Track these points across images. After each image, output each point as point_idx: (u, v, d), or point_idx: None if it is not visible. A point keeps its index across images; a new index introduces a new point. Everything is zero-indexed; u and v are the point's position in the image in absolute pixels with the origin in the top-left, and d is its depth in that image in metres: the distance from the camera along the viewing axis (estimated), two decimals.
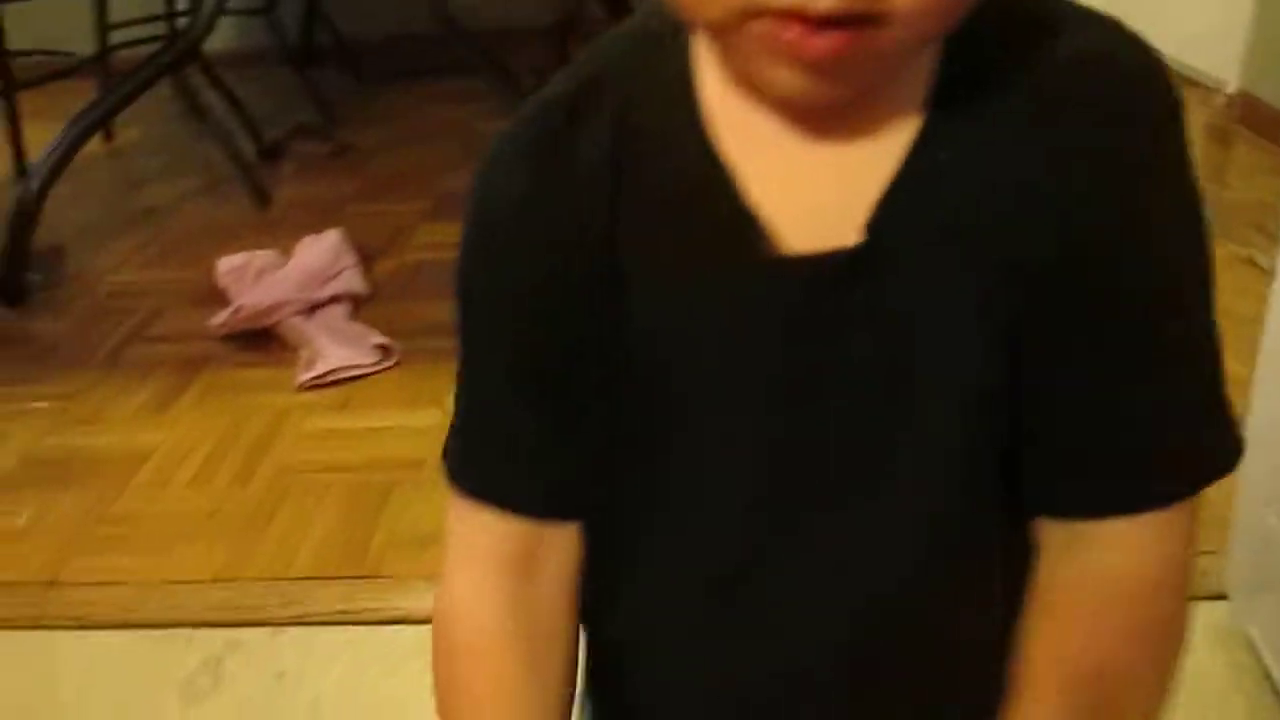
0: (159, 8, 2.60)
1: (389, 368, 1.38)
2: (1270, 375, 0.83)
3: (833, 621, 0.41)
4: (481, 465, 0.42)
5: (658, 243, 0.38)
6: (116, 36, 2.49)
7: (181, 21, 2.54)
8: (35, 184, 1.69)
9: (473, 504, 0.42)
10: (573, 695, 0.44)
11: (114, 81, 2.21)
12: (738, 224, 0.36)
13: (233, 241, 1.71)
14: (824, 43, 0.30)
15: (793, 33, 0.30)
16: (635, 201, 0.38)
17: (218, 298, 1.54)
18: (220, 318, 1.47)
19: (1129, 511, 0.38)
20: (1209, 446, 0.39)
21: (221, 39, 2.57)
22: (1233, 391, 0.40)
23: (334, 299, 1.50)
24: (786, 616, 0.42)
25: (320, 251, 1.57)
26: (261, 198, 1.98)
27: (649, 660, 0.45)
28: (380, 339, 1.40)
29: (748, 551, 0.41)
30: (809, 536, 0.40)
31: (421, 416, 1.26)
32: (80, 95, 2.34)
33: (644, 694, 0.46)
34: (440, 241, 1.79)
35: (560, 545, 0.43)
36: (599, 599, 0.44)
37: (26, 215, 1.67)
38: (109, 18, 2.45)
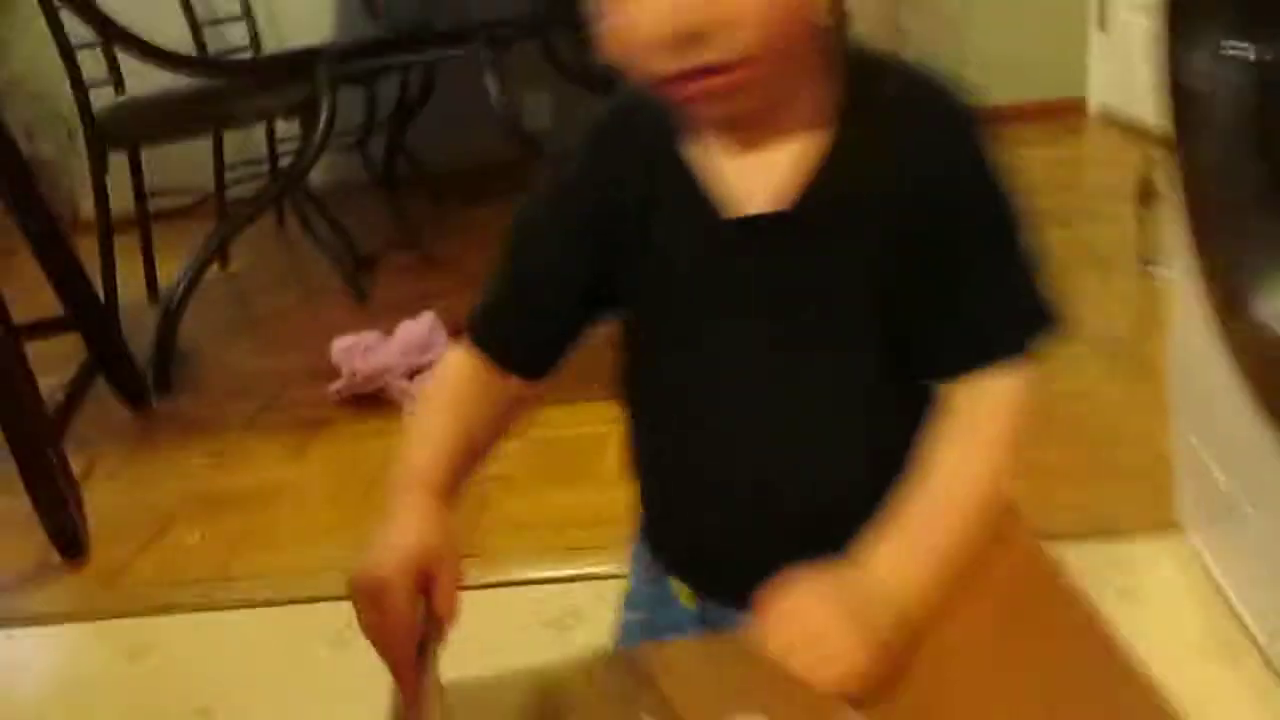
0: (263, 150, 3.00)
1: None
2: (1185, 319, 1.04)
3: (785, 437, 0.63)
4: (488, 327, 0.67)
5: (672, 202, 0.61)
6: (229, 177, 2.89)
7: (283, 162, 2.94)
8: (179, 291, 2.00)
9: (477, 349, 0.66)
10: (491, 441, 0.67)
11: (231, 211, 2.59)
12: (707, 200, 0.60)
13: (338, 332, 1.99)
14: (700, 86, 0.52)
15: (684, 88, 0.53)
16: (661, 173, 0.61)
17: (332, 373, 1.82)
18: (337, 384, 1.75)
19: (988, 363, 0.58)
20: (1035, 317, 0.60)
21: (322, 174, 2.96)
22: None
23: (432, 364, 1.77)
24: (748, 438, 0.63)
25: (418, 327, 1.85)
26: (360, 296, 2.29)
27: (662, 472, 0.69)
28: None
29: (725, 399, 0.63)
30: (754, 411, 0.63)
31: (507, 446, 1.51)
32: (196, 226, 2.73)
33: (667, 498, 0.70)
34: None
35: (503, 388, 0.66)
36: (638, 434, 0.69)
37: (171, 319, 1.98)
38: (226, 160, 2.84)
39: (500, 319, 0.67)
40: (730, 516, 0.64)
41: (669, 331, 0.65)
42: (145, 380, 1.89)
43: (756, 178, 0.58)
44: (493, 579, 1.19)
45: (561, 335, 0.66)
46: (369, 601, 0.56)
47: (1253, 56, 0.79)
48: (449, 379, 0.68)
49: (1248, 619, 0.97)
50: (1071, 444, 1.34)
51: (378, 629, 0.56)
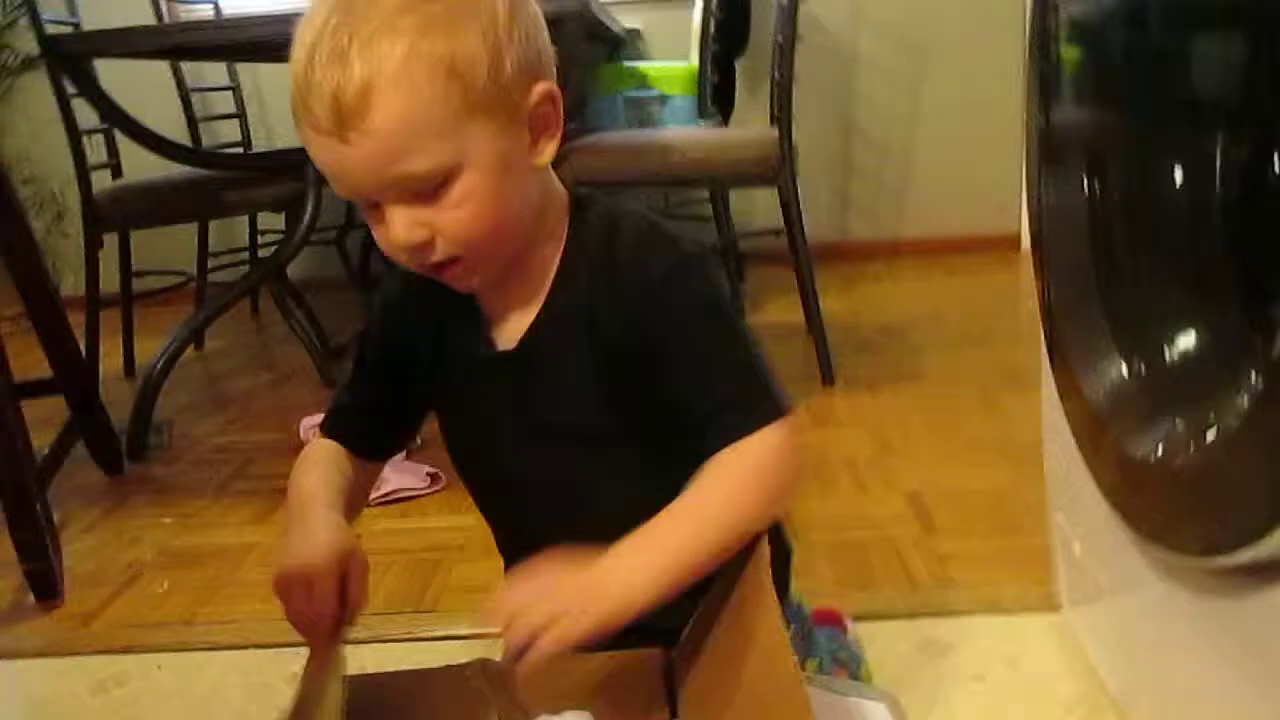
0: (246, 240, 3.15)
1: (437, 490, 1.76)
2: (1049, 403, 1.20)
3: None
4: (332, 422, 0.89)
5: (453, 335, 0.81)
6: (212, 263, 3.03)
7: (263, 252, 3.09)
8: (158, 366, 2.12)
9: (326, 437, 0.88)
10: (357, 504, 0.88)
11: (210, 296, 2.72)
12: (473, 338, 0.80)
13: (305, 413, 2.09)
14: (439, 273, 0.73)
15: (431, 272, 0.73)
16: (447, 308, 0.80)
17: (299, 448, 1.93)
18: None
19: (731, 439, 0.72)
20: (755, 406, 0.74)
21: (300, 268, 3.10)
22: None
23: None
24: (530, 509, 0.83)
25: None
26: (330, 382, 2.42)
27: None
28: (431, 469, 1.79)
29: (503, 489, 0.86)
30: (544, 500, 0.82)
31: (463, 519, 1.63)
32: (174, 307, 2.85)
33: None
34: None
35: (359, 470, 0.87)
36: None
37: (150, 392, 2.10)
38: (209, 248, 2.99)
39: (350, 417, 0.89)
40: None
41: (459, 438, 0.87)
42: (120, 447, 1.99)
43: (504, 322, 0.79)
44: (443, 633, 1.30)
45: (391, 425, 0.89)
46: (300, 590, 0.73)
47: (1085, 193, 0.97)
48: (318, 455, 0.88)
49: (1108, 683, 1.10)
50: (976, 534, 1.48)
51: (304, 614, 0.73)
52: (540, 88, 0.70)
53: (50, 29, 2.25)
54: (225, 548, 1.61)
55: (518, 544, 0.85)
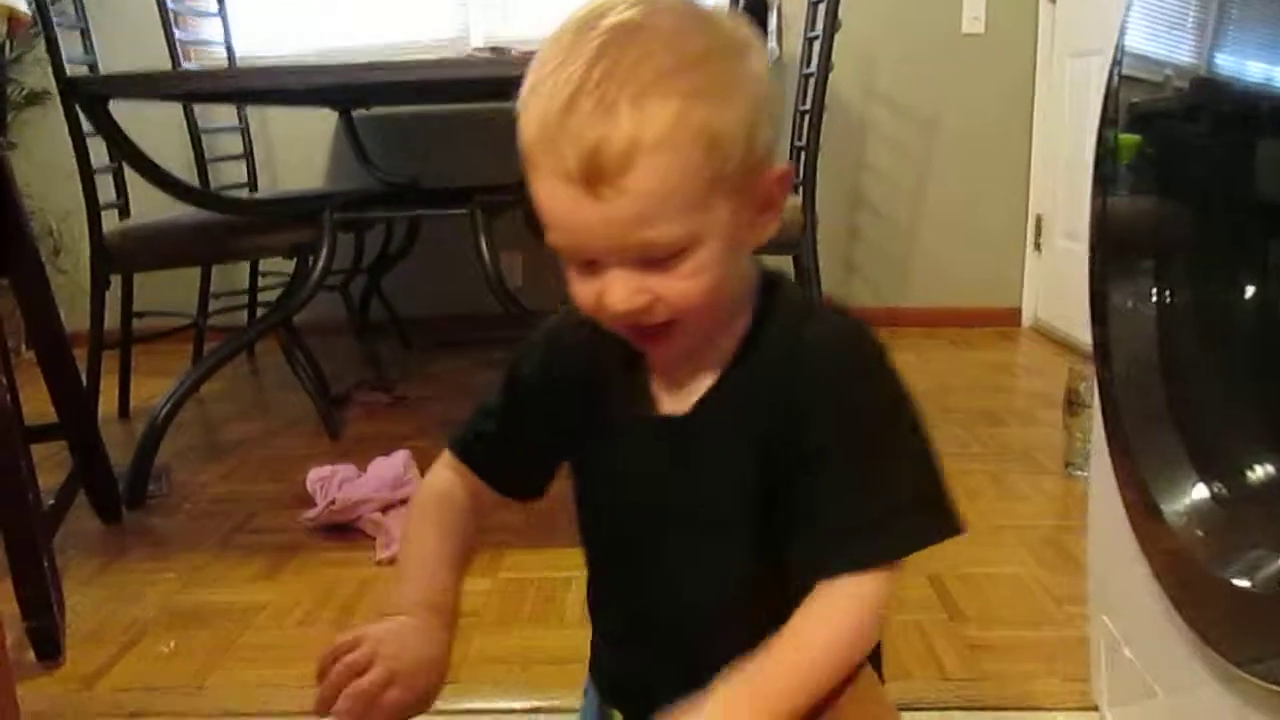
0: (244, 284, 3.12)
1: None
2: (1101, 515, 1.18)
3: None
4: (470, 444, 0.83)
5: (620, 391, 0.77)
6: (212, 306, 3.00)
7: (263, 295, 3.06)
8: (162, 413, 2.08)
9: (456, 457, 0.82)
10: (467, 551, 0.82)
11: (217, 338, 2.69)
12: (641, 399, 0.76)
13: (305, 463, 2.04)
14: (645, 337, 0.69)
15: (634, 336, 0.70)
16: (614, 363, 0.77)
17: (305, 501, 1.90)
18: (313, 512, 1.82)
19: (850, 570, 0.68)
20: (901, 530, 0.68)
21: (304, 311, 3.07)
22: None
23: (403, 501, 1.86)
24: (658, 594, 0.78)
25: (392, 464, 1.94)
26: (333, 432, 2.38)
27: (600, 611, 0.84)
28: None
29: (637, 558, 0.79)
30: (663, 566, 0.77)
31: (478, 583, 1.60)
32: (170, 349, 2.81)
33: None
34: None
35: (484, 493, 0.82)
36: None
37: (154, 437, 2.05)
38: (210, 290, 2.96)
39: (488, 443, 0.83)
40: (646, 657, 0.79)
41: (593, 497, 0.82)
42: (119, 495, 1.94)
43: (675, 389, 0.75)
44: (463, 706, 1.26)
45: (536, 470, 0.83)
46: (340, 648, 0.70)
47: (1154, 299, 0.96)
48: (433, 497, 0.83)
49: None
50: (1005, 624, 1.46)
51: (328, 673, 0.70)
52: (778, 168, 0.69)
53: (68, 68, 2.23)
54: (231, 606, 1.56)
55: (618, 610, 0.83)
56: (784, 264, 2.25)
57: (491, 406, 0.83)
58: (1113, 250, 1.07)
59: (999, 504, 1.93)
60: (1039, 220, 3.39)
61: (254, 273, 3.12)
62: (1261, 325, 0.90)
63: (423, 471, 1.97)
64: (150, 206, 2.54)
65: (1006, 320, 3.48)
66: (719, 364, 0.73)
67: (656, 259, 0.64)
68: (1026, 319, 3.48)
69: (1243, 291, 0.93)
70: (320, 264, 2.16)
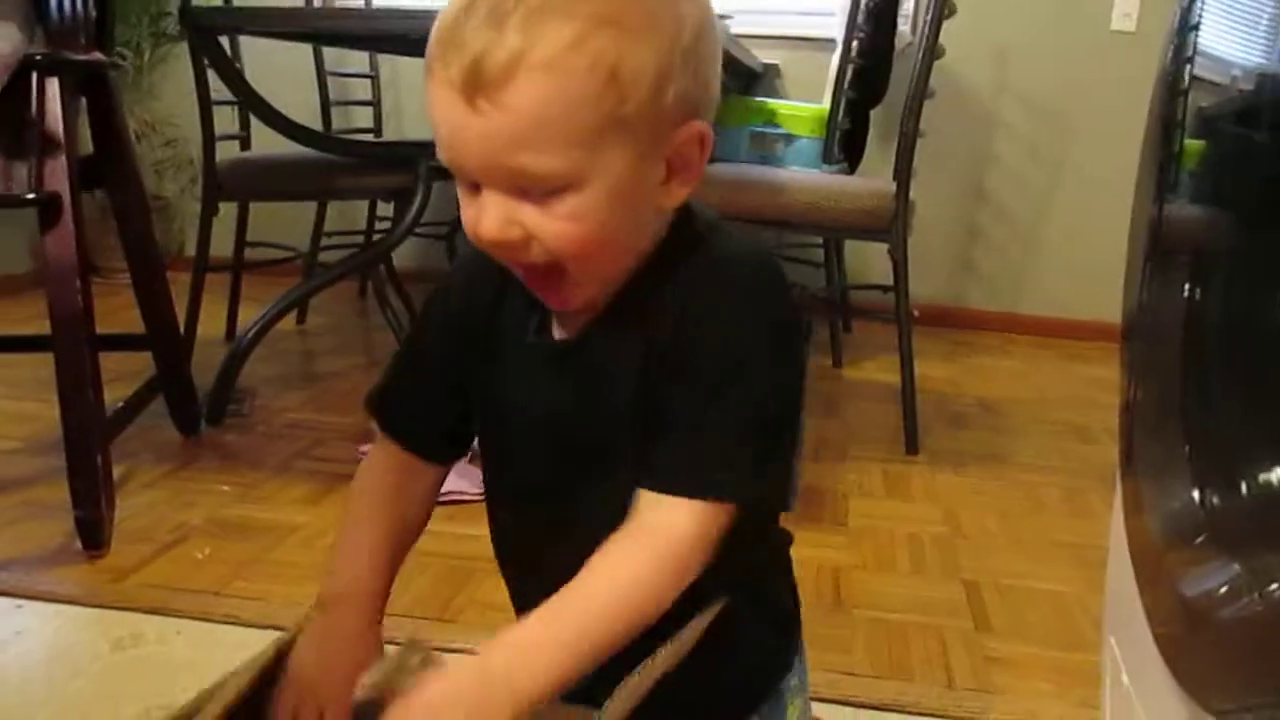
0: (363, 224, 3.22)
1: None
2: (1119, 516, 1.11)
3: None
4: (382, 403, 0.81)
5: (513, 319, 0.74)
6: (326, 243, 3.11)
7: (377, 238, 3.15)
8: (249, 335, 2.17)
9: (371, 416, 0.80)
10: (421, 521, 0.81)
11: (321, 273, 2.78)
12: (536, 326, 0.72)
13: None
14: (537, 281, 0.66)
15: (527, 278, 0.66)
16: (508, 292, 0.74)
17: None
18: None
19: (665, 490, 0.64)
20: (733, 475, 0.64)
21: (409, 258, 3.16)
22: None
23: None
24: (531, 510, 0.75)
25: None
26: None
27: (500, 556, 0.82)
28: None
29: (523, 504, 0.76)
30: (554, 496, 0.73)
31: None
32: (284, 280, 2.91)
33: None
34: None
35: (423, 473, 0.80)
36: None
37: (237, 359, 2.14)
38: (326, 227, 3.06)
39: (399, 398, 0.80)
40: (543, 595, 0.71)
41: (493, 429, 0.77)
42: (199, 410, 2.03)
43: (572, 313, 0.70)
44: (463, 646, 1.28)
45: (449, 418, 0.79)
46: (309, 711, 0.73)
47: (1185, 299, 0.89)
48: (374, 475, 0.81)
49: None
50: (1031, 640, 1.39)
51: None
52: (694, 126, 0.63)
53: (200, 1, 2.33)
54: (273, 524, 1.62)
55: (508, 542, 0.80)
56: (882, 251, 2.19)
57: (401, 352, 0.81)
58: (1159, 259, 1.00)
59: (1063, 519, 1.84)
60: None
61: (371, 214, 3.21)
62: None
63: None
64: (271, 141, 2.64)
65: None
66: (609, 292, 0.69)
67: (533, 191, 0.60)
68: None
69: (1275, 310, 0.85)
70: (413, 210, 2.20)
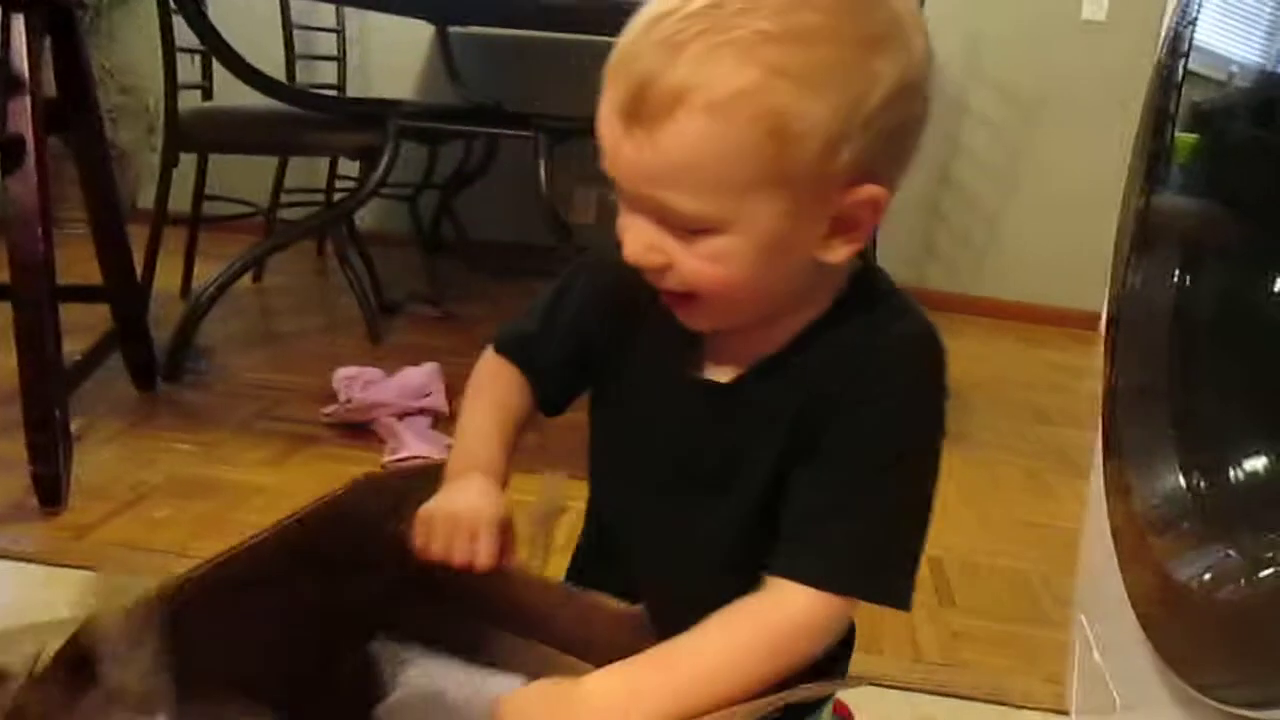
0: (323, 182, 3.16)
1: None
2: (1096, 496, 1.13)
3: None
4: (510, 338, 0.77)
5: (660, 341, 0.71)
6: (285, 199, 3.04)
7: (338, 197, 3.09)
8: (208, 291, 2.12)
9: (497, 352, 0.77)
10: (520, 420, 0.77)
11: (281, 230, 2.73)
12: (687, 355, 0.69)
13: (345, 363, 2.08)
14: (669, 300, 0.63)
15: (666, 298, 0.63)
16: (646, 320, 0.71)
17: (331, 398, 1.92)
18: (331, 408, 1.84)
19: (795, 577, 0.60)
20: (874, 575, 0.61)
21: (371, 219, 3.11)
22: None
23: (422, 411, 1.87)
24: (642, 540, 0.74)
25: (418, 374, 1.95)
26: (375, 337, 2.41)
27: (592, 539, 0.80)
28: (451, 442, 1.75)
29: (627, 518, 0.75)
30: (660, 521, 0.72)
31: None
32: (241, 237, 2.86)
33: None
34: None
35: (527, 389, 0.76)
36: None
37: (195, 316, 2.10)
38: (285, 184, 3.00)
39: (530, 343, 0.76)
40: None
41: (618, 440, 0.75)
42: (156, 365, 1.99)
43: (723, 353, 0.68)
44: None
45: (560, 382, 0.76)
46: (464, 537, 0.67)
47: (1174, 306, 0.90)
48: (488, 377, 0.77)
49: None
50: (995, 616, 1.41)
51: (462, 556, 0.66)
52: (870, 189, 0.58)
53: None
54: (234, 484, 1.59)
55: (612, 562, 0.77)
56: None
57: (537, 306, 0.78)
58: (1146, 249, 1.01)
59: (1024, 499, 1.86)
60: None
61: (332, 172, 3.15)
62: (1273, 331, 0.83)
63: (448, 385, 2.01)
64: (233, 92, 2.57)
65: (1083, 323, 3.34)
66: (777, 342, 0.66)
67: (676, 225, 0.58)
68: (1105, 324, 3.34)
69: (1262, 300, 0.86)
70: (380, 169, 2.17)
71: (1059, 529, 1.74)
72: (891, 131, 0.58)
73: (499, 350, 0.77)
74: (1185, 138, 1.03)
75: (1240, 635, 0.71)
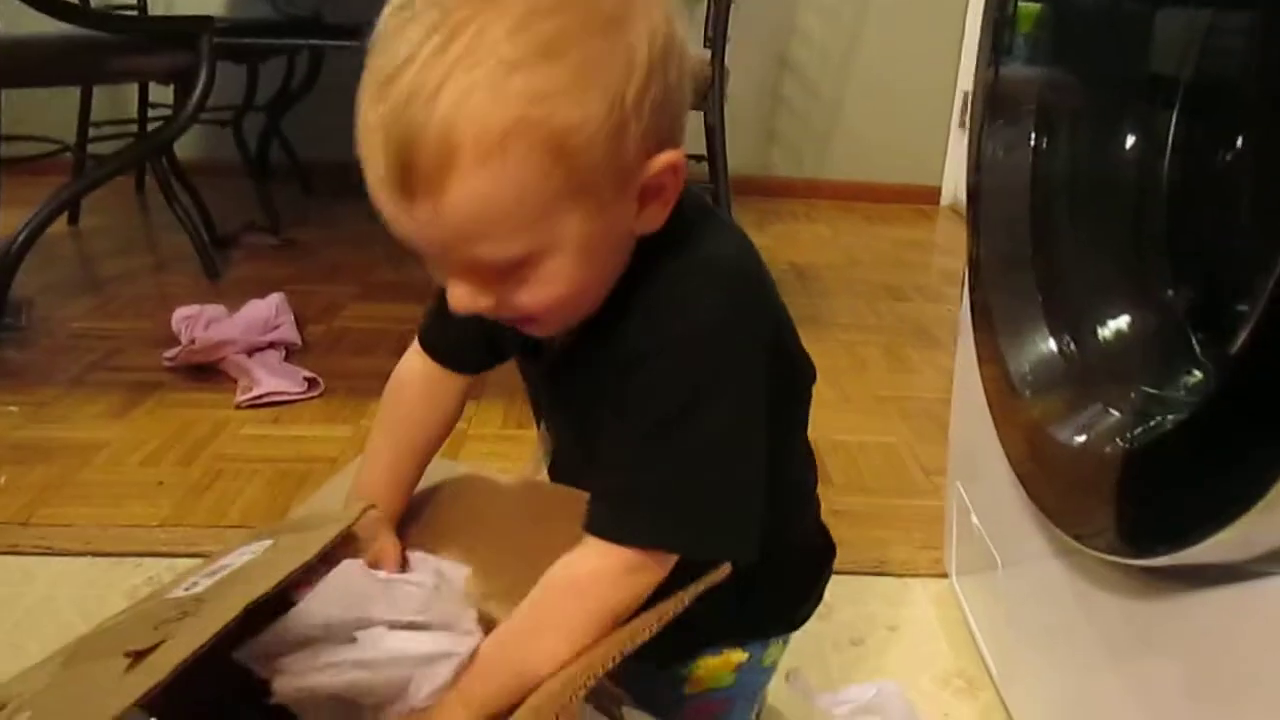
0: (134, 113, 2.94)
1: (314, 396, 1.65)
2: (965, 383, 1.15)
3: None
4: (425, 324, 0.77)
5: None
6: (94, 134, 2.82)
7: (152, 126, 2.88)
8: (19, 240, 1.95)
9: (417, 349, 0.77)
10: (444, 430, 0.79)
11: (93, 167, 2.53)
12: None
13: (183, 303, 1.94)
14: (516, 325, 0.61)
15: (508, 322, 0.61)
16: None
17: (171, 341, 1.80)
18: (172, 352, 1.73)
19: (592, 532, 0.60)
20: (664, 520, 0.60)
21: (192, 148, 2.91)
22: None
23: (272, 345, 1.78)
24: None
25: (263, 306, 1.85)
26: (213, 273, 2.27)
27: None
28: (309, 374, 1.68)
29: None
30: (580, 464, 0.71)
31: (339, 430, 1.54)
32: (48, 178, 2.64)
33: None
34: (367, 315, 2.09)
35: (449, 381, 0.78)
36: None
37: (7, 268, 1.93)
38: (91, 116, 2.77)
39: (440, 326, 0.76)
40: None
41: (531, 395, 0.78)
42: None
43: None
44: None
45: (484, 348, 0.76)
46: None
47: (1030, 171, 0.90)
48: (403, 384, 0.79)
49: (989, 658, 1.07)
50: (869, 491, 1.45)
51: None
52: (664, 158, 0.56)
53: None
54: (74, 443, 1.48)
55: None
56: (692, 119, 2.16)
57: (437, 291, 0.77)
58: (997, 120, 1.01)
59: (886, 375, 1.91)
60: (966, 97, 3.31)
61: (143, 100, 2.93)
62: (1137, 193, 0.85)
63: (296, 315, 1.92)
64: (17, 21, 2.34)
65: (925, 198, 3.43)
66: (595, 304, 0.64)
67: (489, 271, 0.56)
68: (945, 198, 3.44)
69: (1121, 160, 0.88)
70: (197, 93, 2.02)
71: (921, 400, 1.79)
72: (664, 98, 0.55)
73: (420, 342, 0.78)
74: (1027, 7, 1.03)
75: (1118, 486, 0.73)
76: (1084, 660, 0.83)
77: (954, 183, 3.41)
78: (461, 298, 0.58)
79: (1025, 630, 0.99)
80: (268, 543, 0.71)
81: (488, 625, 0.64)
